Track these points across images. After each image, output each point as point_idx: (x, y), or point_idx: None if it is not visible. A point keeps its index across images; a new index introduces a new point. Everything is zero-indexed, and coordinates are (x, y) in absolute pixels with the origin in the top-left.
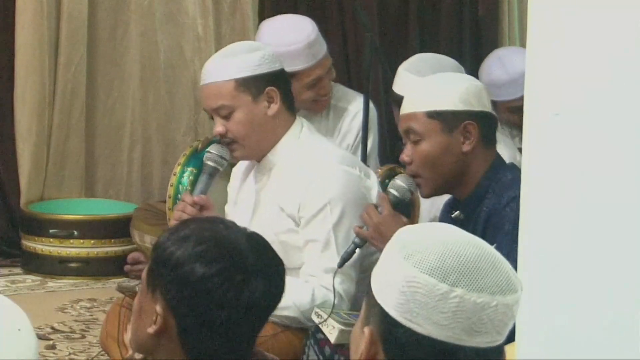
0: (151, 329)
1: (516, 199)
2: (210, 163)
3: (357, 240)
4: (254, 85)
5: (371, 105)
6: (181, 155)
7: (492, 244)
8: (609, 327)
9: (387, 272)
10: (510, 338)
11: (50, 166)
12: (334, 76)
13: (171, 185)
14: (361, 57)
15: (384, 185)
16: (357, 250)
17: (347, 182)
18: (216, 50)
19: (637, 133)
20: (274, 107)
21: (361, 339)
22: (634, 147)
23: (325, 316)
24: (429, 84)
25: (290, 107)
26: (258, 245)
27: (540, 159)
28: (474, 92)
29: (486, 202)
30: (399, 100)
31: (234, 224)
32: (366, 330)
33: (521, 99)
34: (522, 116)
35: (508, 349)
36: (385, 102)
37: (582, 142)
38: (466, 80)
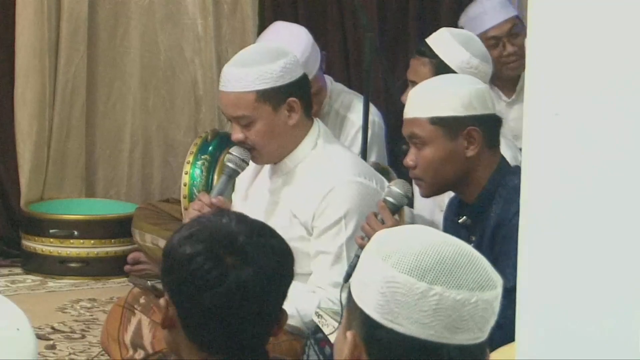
0: (162, 323)
1: None
2: (231, 165)
3: (359, 252)
4: (275, 96)
5: (378, 119)
6: (192, 144)
7: (502, 253)
8: (608, 327)
9: (366, 274)
10: (511, 338)
11: (50, 166)
12: (320, 103)
13: (186, 174)
14: (361, 57)
15: None
16: None
17: (364, 195)
18: (216, 51)
19: (637, 133)
20: (295, 117)
21: (344, 343)
22: (634, 147)
23: (325, 316)
24: (431, 89)
25: (309, 113)
26: (254, 231)
27: (540, 159)
28: (477, 95)
29: (494, 208)
30: (424, 52)
31: (235, 213)
32: (349, 334)
33: (499, 26)
34: (508, 45)
35: (508, 349)
36: (385, 102)
37: (582, 142)
38: (469, 83)
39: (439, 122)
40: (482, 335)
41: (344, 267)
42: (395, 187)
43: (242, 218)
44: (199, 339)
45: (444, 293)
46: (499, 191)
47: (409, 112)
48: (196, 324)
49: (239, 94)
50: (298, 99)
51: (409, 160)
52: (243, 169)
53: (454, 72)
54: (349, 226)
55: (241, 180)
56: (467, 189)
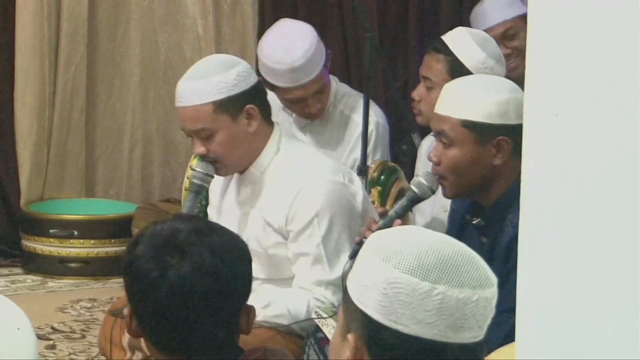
0: (128, 331)
1: None
2: (196, 181)
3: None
4: (232, 105)
5: (382, 121)
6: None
7: (516, 269)
8: (608, 327)
9: (366, 276)
10: (510, 338)
11: (50, 166)
12: (325, 101)
13: (187, 178)
14: (361, 57)
15: (379, 181)
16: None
17: (332, 192)
18: (216, 51)
19: (637, 133)
20: (254, 124)
21: (343, 346)
22: (634, 147)
23: (325, 316)
24: (469, 90)
25: (269, 118)
26: (194, 229)
27: (540, 159)
28: (514, 104)
29: (511, 217)
30: (440, 48)
31: (184, 216)
32: (350, 337)
33: (493, 28)
34: (514, 41)
35: (508, 349)
36: (386, 102)
37: (582, 142)
38: (508, 91)
39: (471, 126)
40: (482, 334)
41: (324, 264)
42: (422, 179)
43: (189, 218)
44: (156, 341)
45: (447, 292)
46: (519, 200)
47: (442, 109)
48: (150, 326)
49: (196, 107)
50: (255, 105)
51: (433, 156)
52: (209, 183)
53: (468, 70)
54: (322, 224)
55: (214, 194)
56: (487, 193)
